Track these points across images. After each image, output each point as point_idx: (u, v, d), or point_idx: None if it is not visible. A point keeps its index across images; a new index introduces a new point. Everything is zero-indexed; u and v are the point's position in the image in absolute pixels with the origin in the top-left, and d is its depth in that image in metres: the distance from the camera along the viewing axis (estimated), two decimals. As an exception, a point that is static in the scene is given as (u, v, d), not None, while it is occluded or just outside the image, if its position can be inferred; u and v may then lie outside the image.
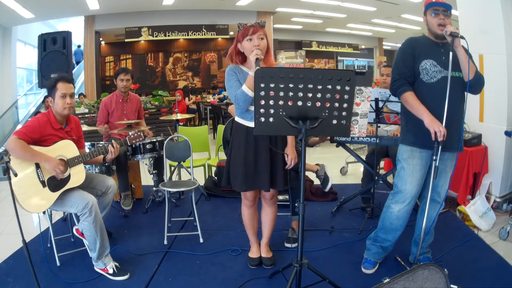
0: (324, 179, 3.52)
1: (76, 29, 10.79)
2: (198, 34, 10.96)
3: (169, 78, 12.91)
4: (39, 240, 2.86)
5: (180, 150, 3.43)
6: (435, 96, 2.10)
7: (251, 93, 2.07)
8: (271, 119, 1.82)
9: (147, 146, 3.54)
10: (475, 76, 2.08)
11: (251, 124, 2.17)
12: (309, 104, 1.79)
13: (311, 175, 3.90)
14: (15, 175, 1.96)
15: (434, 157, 2.04)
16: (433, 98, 2.11)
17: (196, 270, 2.51)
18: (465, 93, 2.17)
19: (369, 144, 3.32)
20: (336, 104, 1.79)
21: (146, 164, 3.75)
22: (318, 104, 1.79)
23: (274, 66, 2.26)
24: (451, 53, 2.00)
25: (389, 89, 2.29)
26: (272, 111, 1.80)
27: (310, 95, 1.77)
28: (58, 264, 2.54)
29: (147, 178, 4.46)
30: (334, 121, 1.83)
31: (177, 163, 3.68)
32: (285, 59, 11.50)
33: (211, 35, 11.09)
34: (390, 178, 3.59)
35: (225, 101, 8.81)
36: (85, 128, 3.48)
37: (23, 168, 2.29)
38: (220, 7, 10.18)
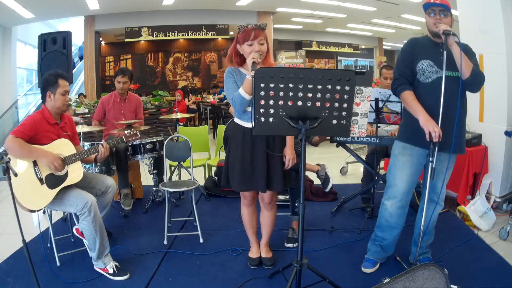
0: (325, 179, 3.52)
1: (76, 29, 10.79)
2: (198, 34, 10.95)
3: (169, 78, 12.91)
4: (39, 240, 2.87)
5: (180, 150, 3.43)
6: (431, 96, 2.10)
7: (247, 96, 2.09)
8: (271, 119, 1.82)
9: (147, 146, 3.54)
10: (472, 73, 2.03)
11: (248, 124, 2.18)
12: (309, 104, 1.79)
13: (311, 175, 3.90)
14: (15, 175, 1.96)
15: (431, 158, 2.03)
16: (429, 98, 2.12)
17: (196, 270, 2.51)
18: (465, 93, 2.17)
19: (369, 144, 3.32)
20: (336, 104, 1.79)
21: (146, 164, 3.76)
22: (318, 104, 1.79)
23: (274, 66, 2.25)
24: (444, 52, 2.00)
25: (390, 89, 2.31)
26: (272, 111, 1.81)
27: (310, 95, 1.77)
28: (58, 264, 2.54)
29: (147, 178, 4.46)
30: (334, 121, 1.83)
31: (177, 163, 3.68)
32: (285, 59, 11.50)
33: (211, 35, 11.09)
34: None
35: (225, 101, 8.81)
36: (85, 128, 3.49)
37: (21, 166, 2.31)
38: (220, 7, 10.18)
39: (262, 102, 1.79)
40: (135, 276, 2.42)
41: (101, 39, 11.50)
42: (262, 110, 1.81)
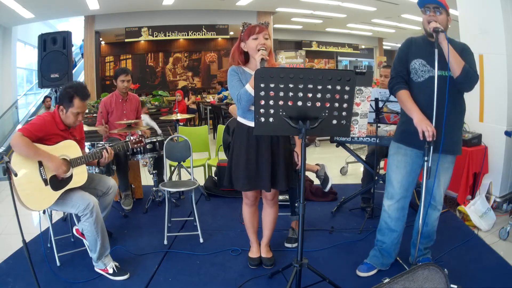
0: (324, 179, 3.52)
1: (76, 29, 10.78)
2: (198, 34, 10.95)
3: (169, 78, 12.91)
4: (39, 240, 2.86)
5: (180, 150, 3.43)
6: (423, 95, 2.10)
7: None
8: (271, 119, 1.82)
9: (147, 146, 3.54)
10: (462, 71, 1.99)
11: (252, 123, 2.17)
12: (309, 104, 1.79)
13: (311, 175, 3.90)
14: (15, 175, 1.96)
15: (426, 158, 2.01)
16: (421, 97, 2.11)
17: (196, 270, 2.51)
18: (461, 93, 2.15)
19: (369, 144, 3.32)
20: (336, 104, 1.79)
21: (146, 164, 3.75)
22: (318, 104, 1.79)
23: (276, 66, 2.26)
24: (436, 51, 1.98)
25: (388, 88, 2.31)
26: (272, 111, 1.81)
27: (310, 95, 1.77)
28: (58, 264, 2.54)
29: (147, 178, 4.46)
30: (334, 121, 1.83)
31: (177, 163, 3.68)
32: (285, 59, 11.49)
33: (211, 35, 11.09)
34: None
35: (225, 101, 8.81)
36: (85, 128, 3.48)
37: (26, 165, 2.28)
38: (220, 7, 10.17)
39: (262, 102, 1.79)
40: (135, 276, 2.42)
41: (101, 39, 11.50)
42: (262, 110, 1.81)
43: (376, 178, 3.27)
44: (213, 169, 4.22)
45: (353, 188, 3.98)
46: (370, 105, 2.96)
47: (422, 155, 2.09)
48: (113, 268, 2.41)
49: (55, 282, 2.34)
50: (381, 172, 3.89)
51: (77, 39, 11.45)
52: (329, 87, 1.76)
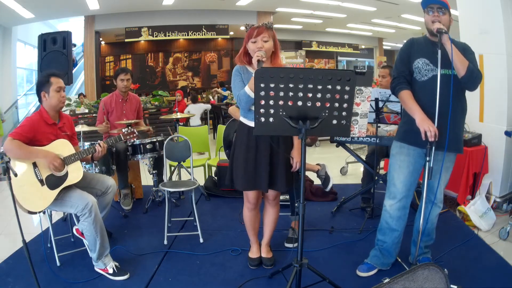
0: (325, 179, 3.52)
1: (76, 29, 10.78)
2: (198, 34, 10.96)
3: (169, 78, 12.92)
4: (39, 240, 2.86)
5: (180, 150, 3.43)
6: (427, 94, 2.10)
7: (252, 94, 2.08)
8: (271, 119, 1.82)
9: (147, 146, 3.54)
10: (467, 70, 2.01)
11: (253, 124, 2.17)
12: (309, 104, 1.79)
13: (311, 175, 3.90)
14: (15, 175, 1.97)
15: (428, 157, 2.02)
16: (425, 96, 2.12)
17: (196, 270, 2.51)
18: (463, 92, 2.16)
19: (369, 144, 3.32)
20: (336, 104, 1.79)
21: (146, 164, 3.75)
22: (318, 104, 1.79)
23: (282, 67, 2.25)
24: (439, 50, 2.00)
25: (390, 88, 2.31)
26: (272, 111, 1.81)
27: (310, 95, 1.77)
28: (58, 264, 2.54)
29: (147, 178, 4.46)
30: (334, 121, 1.83)
31: (177, 163, 3.68)
32: (285, 59, 11.49)
33: (211, 35, 11.10)
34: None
35: (225, 101, 8.81)
36: (85, 128, 3.48)
37: (21, 168, 2.30)
38: (220, 7, 10.18)
39: (262, 102, 1.79)
40: (135, 276, 2.42)
41: (101, 39, 11.52)
42: (262, 110, 1.81)
43: (376, 178, 3.27)
44: (213, 169, 4.22)
45: (353, 188, 3.98)
46: (370, 105, 2.96)
47: (424, 154, 2.09)
48: (113, 268, 2.41)
49: (55, 282, 2.34)
50: (381, 172, 3.89)
51: (77, 39, 11.45)
52: (329, 87, 1.76)
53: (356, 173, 4.89)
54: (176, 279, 2.41)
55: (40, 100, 2.49)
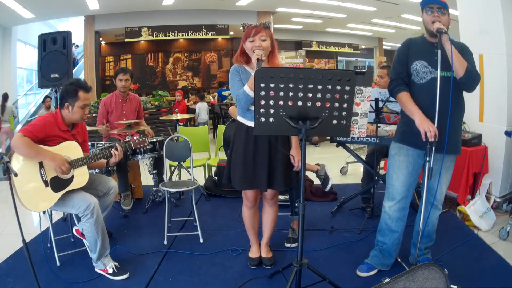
0: (325, 179, 3.52)
1: (76, 29, 10.78)
2: (198, 34, 10.96)
3: (169, 78, 12.92)
4: (39, 240, 2.86)
5: (180, 150, 3.43)
6: (426, 97, 2.10)
7: (252, 94, 2.08)
8: (271, 119, 1.82)
9: (147, 146, 3.54)
10: (466, 71, 2.00)
11: (251, 123, 2.17)
12: (309, 104, 1.79)
13: (311, 175, 3.90)
14: (15, 175, 1.96)
15: (427, 158, 2.01)
16: (424, 99, 2.11)
17: (196, 270, 2.51)
18: (461, 93, 2.15)
19: (369, 144, 3.32)
20: (336, 104, 1.79)
21: (146, 164, 3.75)
22: (318, 104, 1.79)
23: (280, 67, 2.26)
24: (439, 52, 1.99)
25: (387, 90, 2.30)
26: (272, 111, 1.81)
27: (310, 95, 1.77)
28: (58, 264, 2.54)
29: (147, 178, 4.46)
30: (334, 121, 1.83)
31: (177, 163, 3.68)
32: (285, 59, 11.49)
33: (211, 35, 11.10)
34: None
35: (225, 101, 8.81)
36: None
37: (27, 166, 2.27)
38: (220, 7, 10.18)
39: (262, 102, 1.79)
40: (135, 276, 2.42)
41: (101, 39, 11.51)
42: (262, 110, 1.81)
43: (376, 178, 3.27)
44: (213, 169, 4.22)
45: (353, 188, 3.98)
46: (370, 105, 2.96)
47: (423, 155, 2.08)
48: (112, 268, 2.41)
49: (55, 282, 2.34)
50: (381, 172, 3.89)
51: (77, 39, 11.46)
52: (329, 87, 1.76)
53: (356, 173, 4.89)
54: (176, 279, 2.41)
55: (61, 106, 2.43)
